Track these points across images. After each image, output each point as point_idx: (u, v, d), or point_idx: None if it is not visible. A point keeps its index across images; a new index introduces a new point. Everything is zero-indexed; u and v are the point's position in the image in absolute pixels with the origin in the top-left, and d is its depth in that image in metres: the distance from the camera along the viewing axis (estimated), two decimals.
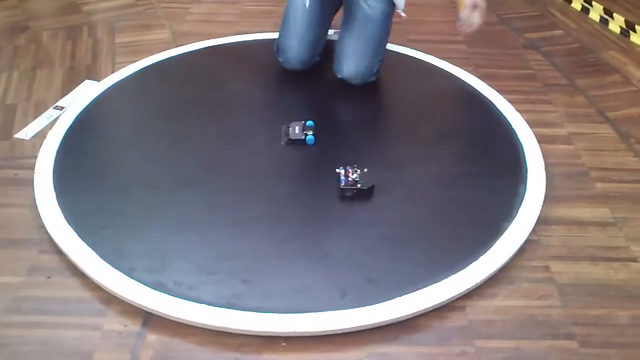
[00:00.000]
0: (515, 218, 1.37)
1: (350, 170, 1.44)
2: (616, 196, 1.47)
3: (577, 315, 1.20)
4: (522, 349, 1.14)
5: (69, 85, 1.83)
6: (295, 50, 1.77)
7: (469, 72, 1.88)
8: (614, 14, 2.17)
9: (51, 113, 1.72)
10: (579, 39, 2.12)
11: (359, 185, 1.41)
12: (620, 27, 2.14)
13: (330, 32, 1.92)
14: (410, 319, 1.18)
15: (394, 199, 1.42)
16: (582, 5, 2.28)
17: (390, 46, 2.00)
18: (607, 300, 1.23)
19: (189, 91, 1.79)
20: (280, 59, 1.81)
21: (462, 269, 1.25)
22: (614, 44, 2.08)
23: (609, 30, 2.16)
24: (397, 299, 1.19)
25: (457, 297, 1.22)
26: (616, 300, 1.23)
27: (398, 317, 1.17)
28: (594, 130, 1.69)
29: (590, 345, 1.15)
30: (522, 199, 1.41)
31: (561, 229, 1.39)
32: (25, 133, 1.64)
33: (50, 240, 1.32)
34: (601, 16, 2.21)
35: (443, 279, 1.23)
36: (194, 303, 1.17)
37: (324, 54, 1.84)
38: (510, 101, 1.74)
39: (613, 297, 1.24)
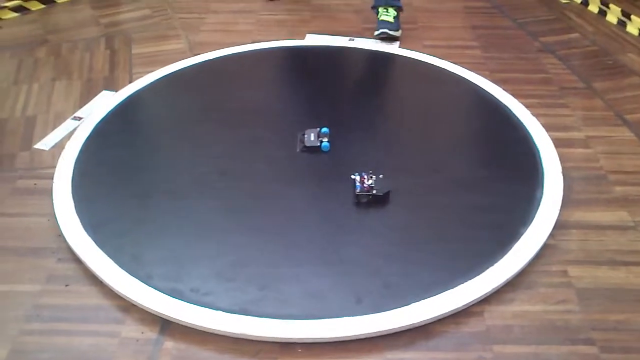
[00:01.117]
0: (533, 222, 1.36)
1: (365, 177, 1.44)
2: (635, 199, 1.46)
3: (596, 320, 1.18)
4: (540, 355, 1.12)
5: (87, 96, 1.86)
6: None
7: (484, 77, 1.87)
8: (632, 16, 2.15)
9: (70, 124, 1.74)
10: (596, 41, 2.10)
11: (374, 191, 1.41)
12: (639, 29, 2.12)
13: (344, 38, 1.92)
14: (427, 324, 1.17)
15: (410, 205, 1.42)
16: (599, 7, 2.27)
17: (405, 52, 2.01)
18: (627, 305, 1.21)
19: (205, 100, 1.81)
20: None
21: (479, 274, 1.24)
22: (632, 46, 2.06)
23: (627, 32, 2.14)
24: (414, 305, 1.18)
25: (474, 302, 1.21)
26: (636, 305, 1.21)
27: (414, 323, 1.16)
28: (611, 133, 1.67)
29: (610, 350, 1.13)
30: (539, 203, 1.40)
31: (579, 233, 1.37)
32: (45, 144, 1.67)
33: (69, 248, 1.33)
34: (619, 18, 2.19)
35: (460, 284, 1.22)
36: (210, 310, 1.18)
37: (337, 61, 1.85)
38: (527, 105, 1.73)
39: (633, 301, 1.22)
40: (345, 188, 1.44)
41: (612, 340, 1.15)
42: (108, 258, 1.29)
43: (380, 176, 1.43)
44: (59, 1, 2.43)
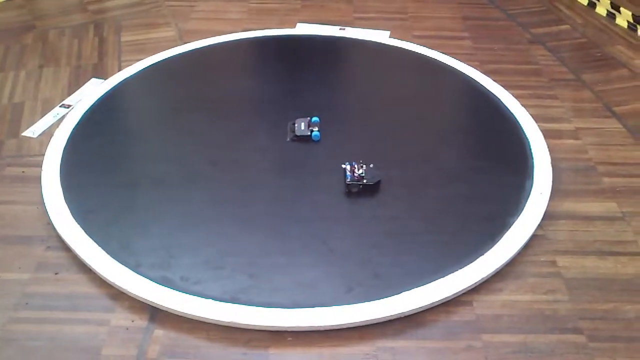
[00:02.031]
0: (522, 213, 1.36)
1: (356, 166, 1.44)
2: (623, 190, 1.47)
3: (584, 310, 1.20)
4: (529, 344, 1.13)
5: (76, 83, 1.84)
6: None
7: (474, 67, 1.87)
8: (621, 8, 2.16)
9: (58, 111, 1.72)
10: (585, 33, 2.11)
11: (364, 181, 1.41)
12: (628, 21, 2.13)
13: (335, 28, 1.92)
14: (417, 313, 1.18)
15: (400, 194, 1.42)
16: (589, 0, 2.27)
17: (395, 42, 2.00)
18: (614, 294, 1.23)
19: (195, 88, 1.80)
20: None
21: (469, 263, 1.25)
22: (621, 38, 2.07)
23: (616, 24, 2.15)
24: (403, 294, 1.19)
25: (464, 291, 1.22)
26: (624, 295, 1.23)
27: (404, 312, 1.17)
28: (600, 125, 1.69)
29: (598, 339, 1.14)
30: (529, 194, 1.41)
31: (568, 223, 1.38)
32: (33, 131, 1.65)
33: (58, 236, 1.33)
34: (608, 10, 2.20)
35: (449, 274, 1.23)
36: (201, 298, 1.18)
37: (329, 53, 1.84)
38: (516, 96, 1.74)
39: (621, 291, 1.23)
40: (336, 178, 1.44)
41: (600, 329, 1.16)
42: (97, 246, 1.28)
43: (371, 166, 1.44)
44: None
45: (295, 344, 1.14)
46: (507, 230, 1.32)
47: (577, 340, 1.14)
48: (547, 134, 1.60)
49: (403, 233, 1.33)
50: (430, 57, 1.92)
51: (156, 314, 1.18)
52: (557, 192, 1.44)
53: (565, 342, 1.14)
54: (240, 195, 1.42)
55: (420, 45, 1.98)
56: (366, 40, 2.01)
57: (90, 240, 1.29)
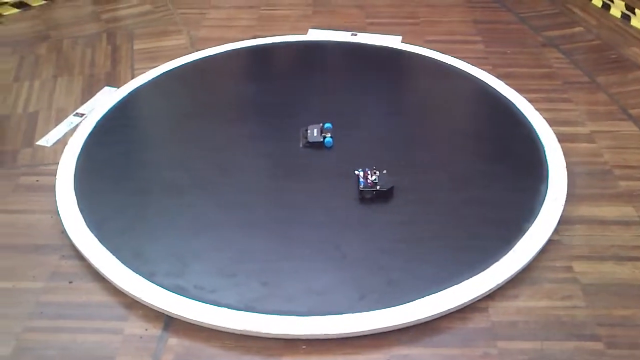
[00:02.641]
0: (537, 218, 1.35)
1: (369, 172, 1.43)
2: None
3: (602, 316, 1.18)
4: (546, 350, 1.12)
5: (89, 92, 1.85)
6: None
7: (487, 71, 1.86)
8: (636, 10, 2.13)
9: (72, 120, 1.74)
10: (599, 35, 2.09)
11: (378, 187, 1.40)
12: None
13: (347, 33, 1.91)
14: (431, 320, 1.17)
15: (413, 200, 1.41)
16: (603, 1, 2.25)
17: (407, 47, 2.00)
18: (632, 300, 1.21)
19: (207, 95, 1.80)
20: None
21: (484, 269, 1.24)
22: (636, 40, 2.05)
23: (631, 26, 2.13)
24: (418, 301, 1.18)
25: (479, 298, 1.20)
26: None
27: (419, 319, 1.16)
28: (616, 127, 1.67)
29: (616, 346, 1.12)
30: (544, 199, 1.40)
31: (584, 228, 1.37)
32: (47, 140, 1.66)
33: (72, 245, 1.33)
34: (622, 12, 2.18)
35: (464, 280, 1.22)
36: (215, 307, 1.18)
37: (341, 59, 1.84)
38: (530, 100, 1.72)
39: (639, 297, 1.21)
40: (348, 184, 1.44)
41: (618, 336, 1.14)
42: (111, 255, 1.28)
43: (384, 172, 1.43)
44: None
45: (309, 352, 1.13)
46: (523, 235, 1.31)
47: (595, 348, 1.12)
48: (562, 138, 1.59)
49: (416, 239, 1.32)
50: (443, 62, 1.91)
51: (170, 323, 1.18)
52: (572, 196, 1.42)
53: (583, 349, 1.12)
54: (252, 202, 1.42)
55: (433, 49, 1.97)
56: (378, 46, 2.01)
57: (104, 248, 1.30)
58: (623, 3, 2.19)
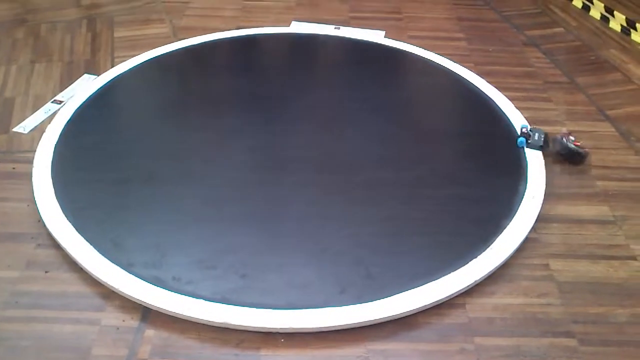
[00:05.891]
0: (515, 215, 1.36)
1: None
2: (616, 194, 1.47)
3: (576, 313, 1.20)
4: (521, 347, 1.13)
5: (68, 79, 1.83)
6: None
7: (468, 69, 1.87)
8: (615, 12, 2.16)
9: (50, 107, 1.71)
10: (579, 36, 2.11)
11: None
12: (621, 25, 2.13)
13: (330, 27, 1.91)
14: (410, 315, 1.18)
15: (393, 196, 1.42)
16: (583, 3, 2.28)
17: (389, 42, 2.00)
18: (606, 298, 1.23)
19: (188, 86, 1.79)
20: None
21: (462, 266, 1.25)
22: (615, 42, 2.08)
23: (610, 28, 2.15)
24: (396, 296, 1.18)
25: (457, 294, 1.21)
26: (615, 298, 1.23)
27: (397, 314, 1.17)
28: (594, 128, 1.69)
29: (589, 343, 1.14)
30: (522, 197, 1.41)
31: (561, 226, 1.38)
32: (24, 127, 1.64)
33: (49, 234, 1.31)
34: (602, 14, 2.20)
35: (442, 276, 1.22)
36: (192, 298, 1.17)
37: (323, 52, 1.83)
38: (510, 98, 1.74)
39: (612, 295, 1.24)
40: (330, 179, 1.44)
41: (591, 333, 1.16)
42: (88, 244, 1.27)
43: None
44: None
45: (287, 345, 1.13)
46: (501, 233, 1.32)
47: (569, 344, 1.14)
48: None
49: (396, 235, 1.33)
50: (425, 58, 1.92)
51: (147, 314, 1.17)
52: (550, 195, 1.44)
53: (558, 346, 1.14)
54: (233, 194, 1.41)
55: (415, 45, 1.97)
56: (361, 40, 2.01)
57: (82, 238, 1.28)
58: (602, 5, 2.21)
